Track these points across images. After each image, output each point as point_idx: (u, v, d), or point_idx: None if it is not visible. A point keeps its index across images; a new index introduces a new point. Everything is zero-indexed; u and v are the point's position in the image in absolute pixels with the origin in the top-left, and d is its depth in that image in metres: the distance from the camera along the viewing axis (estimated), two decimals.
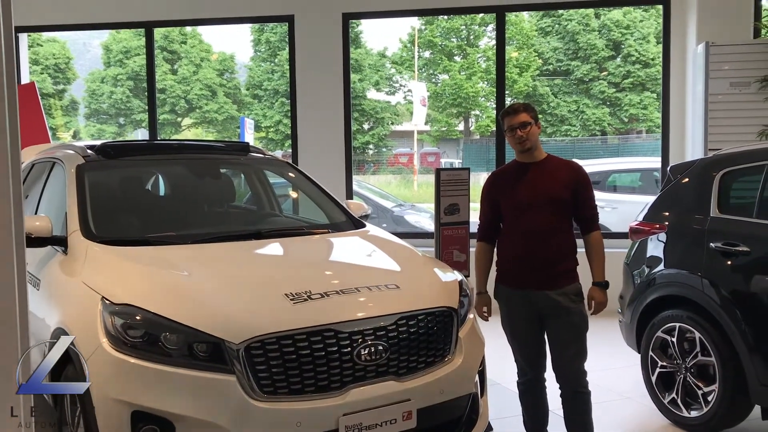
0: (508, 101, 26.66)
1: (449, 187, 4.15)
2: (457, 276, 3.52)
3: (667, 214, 4.46)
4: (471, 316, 3.45)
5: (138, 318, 2.74)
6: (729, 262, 3.89)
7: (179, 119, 27.81)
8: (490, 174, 3.70)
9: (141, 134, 25.46)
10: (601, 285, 3.47)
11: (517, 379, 3.67)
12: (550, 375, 3.57)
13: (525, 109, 3.43)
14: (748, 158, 4.10)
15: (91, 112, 27.77)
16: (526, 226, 3.42)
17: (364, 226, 4.10)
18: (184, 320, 2.71)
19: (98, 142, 4.23)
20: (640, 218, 4.68)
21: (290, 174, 4.64)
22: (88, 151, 4.09)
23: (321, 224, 4.16)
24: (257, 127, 25.86)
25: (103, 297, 2.86)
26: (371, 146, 27.81)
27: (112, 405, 2.64)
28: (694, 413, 4.05)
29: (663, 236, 4.41)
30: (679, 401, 4.13)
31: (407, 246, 3.81)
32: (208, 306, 2.81)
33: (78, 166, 3.89)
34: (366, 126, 27.58)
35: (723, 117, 6.44)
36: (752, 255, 3.77)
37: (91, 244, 3.33)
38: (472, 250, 4.42)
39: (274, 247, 3.61)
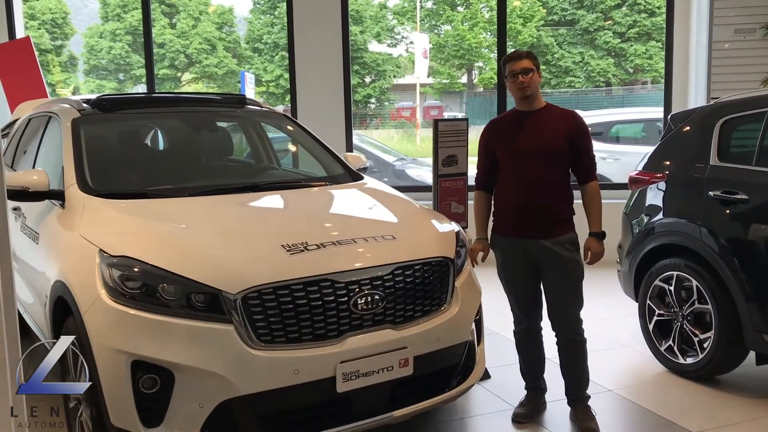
0: None
1: (447, 138, 4.11)
2: (454, 227, 3.52)
3: (666, 163, 4.43)
4: (468, 266, 3.46)
5: (135, 269, 2.75)
6: (728, 211, 3.88)
7: (179, 74, 27.56)
8: (488, 122, 3.68)
9: (141, 89, 25.26)
10: (597, 235, 3.48)
11: (513, 327, 3.72)
12: (546, 323, 3.61)
13: (528, 56, 3.40)
14: (749, 106, 4.06)
15: (90, 68, 27.51)
16: (522, 175, 3.41)
17: (362, 178, 4.09)
18: (181, 271, 2.72)
19: (94, 96, 4.20)
20: (640, 168, 4.66)
21: (287, 127, 4.61)
22: (84, 104, 4.06)
23: (318, 177, 4.15)
24: (258, 82, 25.62)
25: (100, 249, 2.87)
26: (373, 100, 27.57)
27: (111, 355, 2.67)
28: (689, 360, 4.09)
29: (663, 185, 4.39)
30: (675, 348, 4.18)
31: (405, 198, 3.81)
32: (206, 257, 2.82)
33: (73, 119, 3.87)
34: (368, 79, 27.29)
35: (727, 65, 6.37)
36: (751, 203, 3.76)
37: (88, 197, 3.33)
38: (471, 202, 4.42)
39: (271, 200, 3.61)
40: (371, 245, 3.06)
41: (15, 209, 4.16)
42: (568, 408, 3.63)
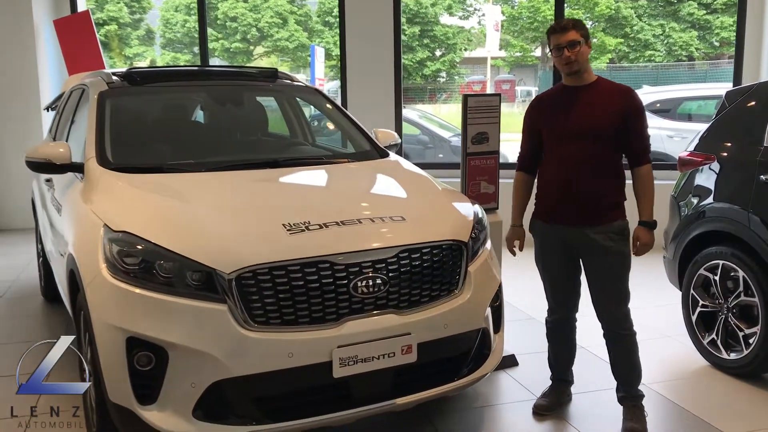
0: (594, 25, 25.32)
1: (477, 114, 3.92)
2: (473, 208, 3.35)
3: (718, 143, 4.12)
4: (487, 249, 3.29)
5: (134, 245, 2.72)
6: None
7: (251, 48, 27.86)
8: (533, 98, 3.42)
9: (214, 62, 25.64)
10: (647, 225, 3.17)
11: (546, 316, 3.52)
12: (581, 315, 3.40)
13: (574, 26, 3.11)
14: None
15: (166, 42, 28.13)
16: (567, 157, 3.16)
17: (387, 155, 3.96)
18: (177, 249, 2.67)
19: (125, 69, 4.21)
20: (691, 148, 4.35)
21: (317, 101, 4.51)
22: (114, 77, 4.07)
23: (343, 153, 4.04)
24: (328, 55, 25.58)
25: (105, 224, 2.87)
26: (443, 74, 27.14)
27: (109, 331, 2.66)
28: (733, 355, 3.82)
29: (716, 166, 4.08)
30: (718, 342, 3.91)
31: (426, 177, 3.65)
32: (203, 235, 2.77)
33: (100, 92, 3.89)
34: (438, 53, 26.87)
35: None
36: None
37: (104, 171, 3.33)
38: (502, 181, 4.23)
39: (285, 177, 3.52)
40: (377, 226, 2.94)
41: (48, 181, 4.24)
42: (594, 402, 3.44)
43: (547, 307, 3.51)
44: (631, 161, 3.20)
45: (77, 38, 7.80)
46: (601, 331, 3.32)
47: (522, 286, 5.20)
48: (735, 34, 6.76)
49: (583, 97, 3.15)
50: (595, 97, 3.14)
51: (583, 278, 3.34)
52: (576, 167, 3.15)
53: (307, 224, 2.84)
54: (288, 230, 2.79)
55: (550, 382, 3.60)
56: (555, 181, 3.23)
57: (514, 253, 3.47)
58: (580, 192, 3.15)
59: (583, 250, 3.20)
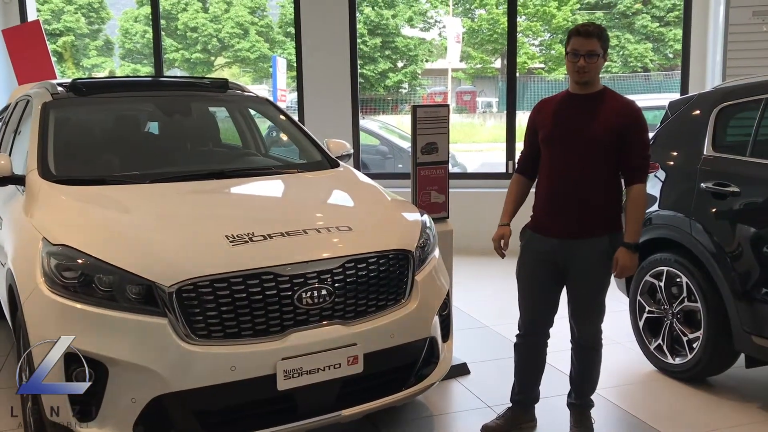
0: (551, 37, 25.76)
1: (426, 124, 3.95)
2: (420, 217, 3.37)
3: (662, 152, 4.20)
4: (435, 258, 3.30)
5: (72, 259, 2.67)
6: (719, 204, 3.65)
7: (212, 58, 27.70)
8: (538, 101, 3.29)
9: (174, 73, 25.45)
10: (630, 247, 3.01)
11: (517, 331, 3.36)
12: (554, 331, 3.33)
13: (598, 36, 2.94)
14: (747, 92, 3.81)
15: (125, 53, 27.82)
16: (556, 164, 3.07)
17: (338, 165, 3.96)
18: (116, 262, 2.63)
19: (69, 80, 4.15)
20: None
21: (268, 112, 4.50)
22: (59, 88, 4.01)
23: (293, 164, 4.03)
24: (290, 66, 25.54)
25: (43, 237, 2.81)
26: (405, 85, 27.30)
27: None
28: (678, 360, 3.89)
29: (660, 174, 4.16)
30: (664, 347, 3.98)
31: (375, 187, 3.66)
32: (143, 248, 2.73)
33: (44, 103, 3.82)
34: (400, 64, 27.03)
35: (744, 49, 6.03)
36: (742, 197, 3.53)
37: (44, 183, 3.27)
38: (453, 191, 4.26)
39: (231, 187, 3.50)
40: (323, 237, 2.94)
41: None
42: (545, 409, 3.45)
43: (517, 321, 3.34)
44: (625, 179, 3.09)
45: (27, 48, 7.65)
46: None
47: (476, 294, 5.24)
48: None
49: (584, 106, 3.05)
50: (593, 107, 3.03)
51: (560, 299, 3.24)
52: (562, 176, 3.07)
53: (250, 235, 2.82)
54: (231, 242, 2.77)
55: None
56: (544, 189, 3.15)
57: (501, 255, 3.30)
58: (567, 203, 3.06)
59: (566, 264, 3.10)
